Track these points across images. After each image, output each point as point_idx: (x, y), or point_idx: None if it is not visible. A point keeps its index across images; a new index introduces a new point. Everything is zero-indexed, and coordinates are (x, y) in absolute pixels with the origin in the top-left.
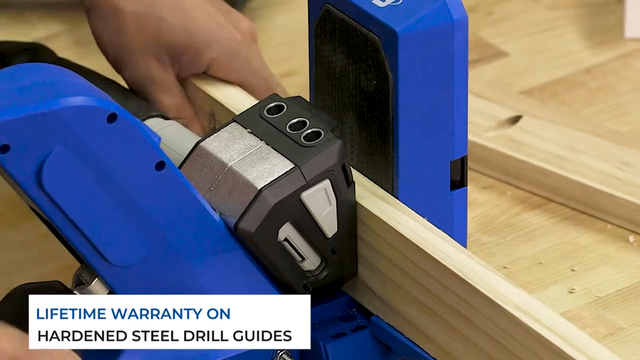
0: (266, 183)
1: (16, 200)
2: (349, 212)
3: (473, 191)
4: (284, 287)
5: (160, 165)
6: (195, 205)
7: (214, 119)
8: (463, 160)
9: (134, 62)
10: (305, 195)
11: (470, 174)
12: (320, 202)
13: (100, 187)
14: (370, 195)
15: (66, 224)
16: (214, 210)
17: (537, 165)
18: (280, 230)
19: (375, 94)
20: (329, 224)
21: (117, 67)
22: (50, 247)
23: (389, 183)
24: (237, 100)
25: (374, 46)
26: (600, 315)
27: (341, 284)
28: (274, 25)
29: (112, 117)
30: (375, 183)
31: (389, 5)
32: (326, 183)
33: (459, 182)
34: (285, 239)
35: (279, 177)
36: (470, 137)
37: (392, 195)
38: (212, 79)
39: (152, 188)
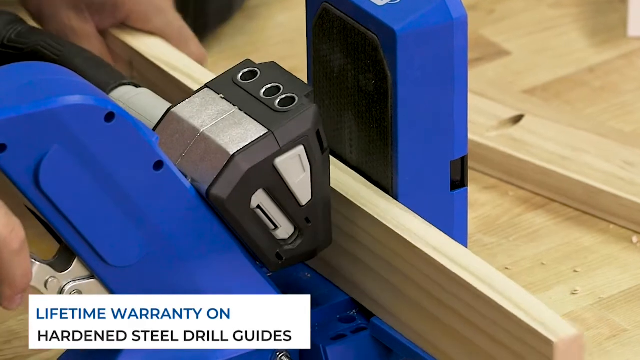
0: (239, 148)
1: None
2: (323, 179)
3: (475, 191)
4: (257, 258)
5: (159, 165)
6: (194, 203)
7: (132, 67)
8: (463, 160)
9: (55, 14)
10: (279, 162)
11: (472, 174)
12: (294, 168)
13: (97, 186)
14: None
15: (63, 224)
16: (185, 177)
17: (539, 165)
18: (253, 197)
19: (374, 93)
20: (302, 191)
21: (39, 20)
22: (48, 248)
23: (388, 183)
24: (155, 48)
25: (372, 45)
26: (604, 317)
27: (315, 253)
28: (273, 24)
29: (109, 116)
30: (375, 183)
31: (387, 3)
32: (300, 149)
33: (459, 182)
34: (258, 206)
35: (252, 142)
36: (471, 136)
37: (392, 195)
38: (130, 29)
39: (150, 188)
